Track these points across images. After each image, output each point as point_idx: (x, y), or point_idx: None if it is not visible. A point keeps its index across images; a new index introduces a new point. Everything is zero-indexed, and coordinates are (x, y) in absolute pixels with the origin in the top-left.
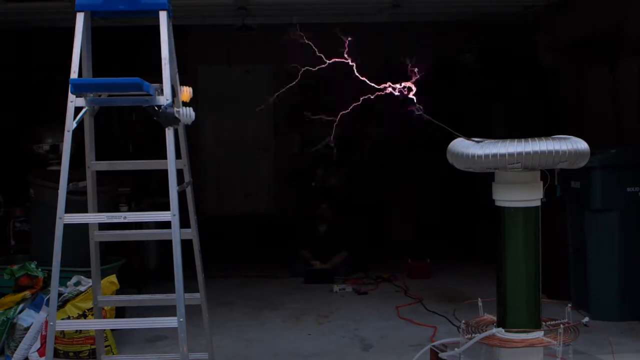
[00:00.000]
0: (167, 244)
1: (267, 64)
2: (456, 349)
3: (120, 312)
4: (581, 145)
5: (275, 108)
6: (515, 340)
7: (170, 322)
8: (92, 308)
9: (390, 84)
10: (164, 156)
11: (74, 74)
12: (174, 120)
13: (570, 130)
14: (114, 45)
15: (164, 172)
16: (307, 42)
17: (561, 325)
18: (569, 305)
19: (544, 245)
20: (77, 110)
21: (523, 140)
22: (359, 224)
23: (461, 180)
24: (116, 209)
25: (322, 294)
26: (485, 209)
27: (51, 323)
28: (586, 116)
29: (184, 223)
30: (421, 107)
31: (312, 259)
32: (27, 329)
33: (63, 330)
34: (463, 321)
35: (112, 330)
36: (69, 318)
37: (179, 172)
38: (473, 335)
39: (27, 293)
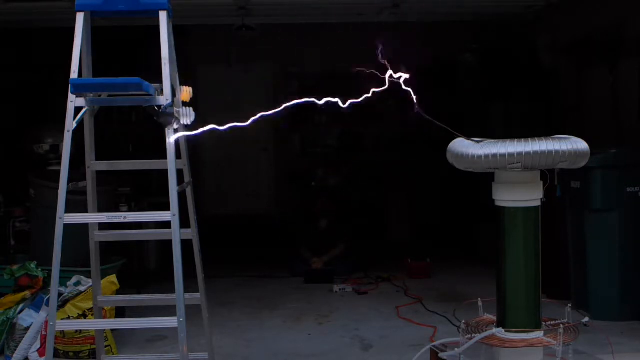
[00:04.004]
0: (167, 244)
1: (267, 64)
2: (456, 349)
3: (120, 312)
4: (581, 145)
5: (275, 108)
6: (515, 340)
7: (170, 322)
8: (92, 308)
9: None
10: (164, 156)
11: (74, 74)
12: (174, 120)
13: (570, 130)
14: (114, 45)
15: (164, 172)
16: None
17: (561, 325)
18: (569, 305)
19: (544, 245)
20: (77, 110)
21: (523, 140)
22: (358, 223)
23: (461, 180)
24: (116, 209)
25: (322, 294)
26: (485, 209)
27: (51, 323)
28: (586, 116)
29: (184, 223)
30: (420, 108)
31: (312, 256)
32: (27, 329)
33: (63, 330)
34: (463, 321)
35: (112, 330)
36: (69, 318)
37: (179, 172)
38: (473, 335)
39: (27, 293)
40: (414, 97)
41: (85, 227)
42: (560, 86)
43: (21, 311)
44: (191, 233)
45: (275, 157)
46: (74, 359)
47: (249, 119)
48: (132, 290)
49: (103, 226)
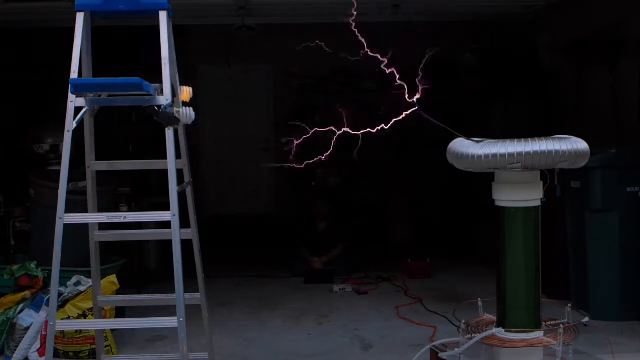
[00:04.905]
0: (167, 244)
1: (267, 64)
2: (456, 349)
3: (120, 312)
4: (581, 145)
5: (276, 108)
6: (515, 340)
7: (170, 322)
8: (92, 308)
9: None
10: (164, 156)
11: (74, 74)
12: (174, 120)
13: (570, 130)
14: (114, 45)
15: (164, 172)
16: None
17: (561, 325)
18: (569, 305)
19: (544, 245)
20: (77, 110)
21: (523, 140)
22: (358, 223)
23: (461, 180)
24: (116, 209)
25: (322, 294)
26: (485, 209)
27: (51, 323)
28: (586, 116)
29: (184, 223)
30: (420, 107)
31: (312, 256)
32: (27, 329)
33: (63, 330)
34: (463, 321)
35: (112, 330)
36: (69, 318)
37: (179, 172)
38: (473, 335)
39: (27, 293)
40: (414, 99)
41: (85, 227)
42: (560, 86)
43: (21, 311)
44: (191, 233)
45: (275, 157)
46: (74, 359)
47: (249, 118)
48: (132, 290)
49: (103, 226)
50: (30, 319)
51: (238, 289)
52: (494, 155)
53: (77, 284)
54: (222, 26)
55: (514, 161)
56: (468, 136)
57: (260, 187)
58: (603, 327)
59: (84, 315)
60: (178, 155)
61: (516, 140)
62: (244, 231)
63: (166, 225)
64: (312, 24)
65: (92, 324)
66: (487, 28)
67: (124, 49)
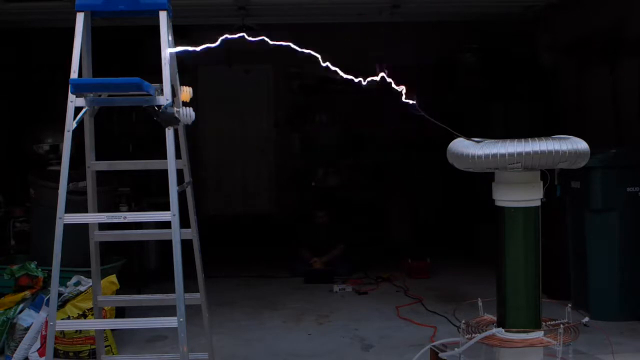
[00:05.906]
0: (167, 244)
1: (267, 64)
2: (456, 349)
3: (120, 312)
4: (581, 145)
5: (276, 108)
6: (515, 340)
7: (170, 322)
8: (92, 308)
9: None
10: (164, 156)
11: (74, 74)
12: (174, 120)
13: (570, 130)
14: (114, 45)
15: (164, 172)
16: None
17: (561, 325)
18: (569, 305)
19: (544, 245)
20: (77, 110)
21: (523, 140)
22: (358, 223)
23: (461, 180)
24: (116, 209)
25: (322, 294)
26: (485, 209)
27: (51, 323)
28: (586, 116)
29: (184, 223)
30: (417, 106)
31: (311, 256)
32: (27, 329)
33: (63, 330)
34: (463, 321)
35: (112, 330)
36: (69, 318)
37: (179, 172)
38: (473, 335)
39: (27, 293)
40: (414, 102)
41: (85, 227)
42: (560, 86)
43: (21, 311)
44: (191, 233)
45: (275, 157)
46: (74, 359)
47: (249, 118)
48: (132, 290)
49: (103, 226)
50: (30, 319)
51: (238, 289)
52: (494, 155)
53: (77, 284)
54: (222, 26)
55: (514, 161)
56: (468, 136)
57: (260, 187)
58: (603, 327)
59: (84, 315)
60: (178, 155)
61: (516, 140)
62: (244, 231)
63: (166, 225)
64: (312, 24)
65: (92, 324)
66: (487, 28)
67: (124, 49)
